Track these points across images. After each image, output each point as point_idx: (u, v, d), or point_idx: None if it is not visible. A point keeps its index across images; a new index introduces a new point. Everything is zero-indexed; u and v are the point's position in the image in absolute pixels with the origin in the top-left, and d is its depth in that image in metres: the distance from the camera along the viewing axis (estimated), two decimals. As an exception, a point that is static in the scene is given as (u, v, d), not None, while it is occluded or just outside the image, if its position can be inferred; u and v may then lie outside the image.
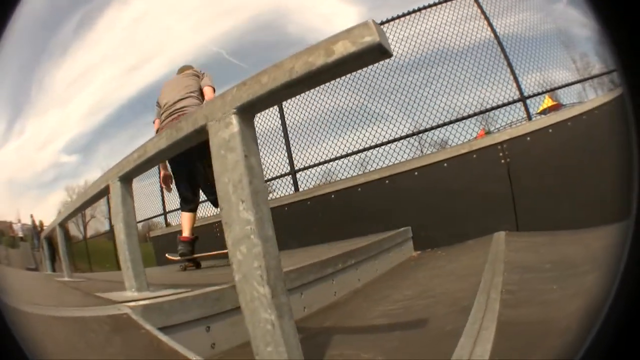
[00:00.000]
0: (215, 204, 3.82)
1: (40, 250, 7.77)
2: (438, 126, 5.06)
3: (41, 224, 26.90)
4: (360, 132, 5.64)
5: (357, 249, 2.89)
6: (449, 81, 5.15)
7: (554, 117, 3.52)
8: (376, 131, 5.50)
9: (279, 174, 6.22)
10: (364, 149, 5.51)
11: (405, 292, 2.34)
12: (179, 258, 3.78)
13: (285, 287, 1.15)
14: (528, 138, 3.44)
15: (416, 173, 3.86)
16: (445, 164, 3.72)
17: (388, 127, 5.40)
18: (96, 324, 1.61)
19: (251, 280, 1.09)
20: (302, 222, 4.53)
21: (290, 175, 6.04)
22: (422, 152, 5.40)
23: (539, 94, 4.93)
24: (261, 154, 6.19)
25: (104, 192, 2.21)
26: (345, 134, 5.81)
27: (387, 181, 4.04)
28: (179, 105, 3.70)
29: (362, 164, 5.69)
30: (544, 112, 5.29)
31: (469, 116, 4.96)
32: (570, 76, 5.08)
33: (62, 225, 3.85)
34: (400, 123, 5.33)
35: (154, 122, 4.06)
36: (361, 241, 3.23)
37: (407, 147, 5.29)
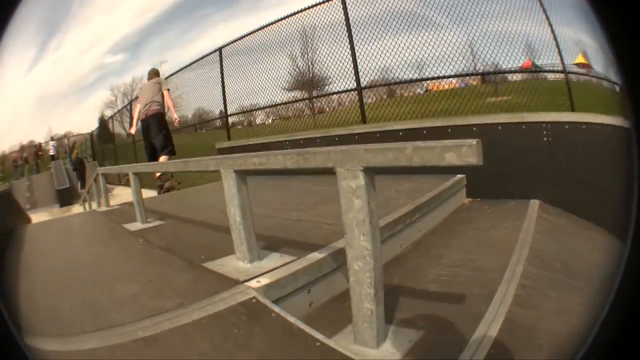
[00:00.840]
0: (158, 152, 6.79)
1: (91, 184, 7.91)
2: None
3: (73, 144, 24.94)
4: (417, 37, 6.28)
5: (423, 203, 3.34)
6: (501, 7, 5.57)
7: (587, 117, 3.81)
8: (432, 37, 6.14)
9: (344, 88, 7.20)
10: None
11: (453, 257, 2.79)
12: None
13: (382, 286, 1.68)
14: (566, 126, 3.78)
15: (474, 129, 4.29)
16: (499, 127, 4.14)
17: (442, 36, 6.01)
18: (234, 316, 1.82)
19: (362, 284, 1.63)
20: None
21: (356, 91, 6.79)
22: (474, 67, 6.16)
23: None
24: (325, 48, 7.14)
25: (210, 171, 2.64)
26: (404, 35, 6.47)
27: (449, 130, 4.50)
28: (148, 106, 6.75)
29: (418, 67, 6.51)
30: (578, 65, 5.63)
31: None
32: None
33: (137, 174, 4.31)
34: (454, 33, 5.93)
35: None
36: (422, 185, 3.75)
37: (458, 57, 6.01)
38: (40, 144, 30.99)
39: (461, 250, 2.94)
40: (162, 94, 6.84)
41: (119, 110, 25.22)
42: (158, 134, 6.75)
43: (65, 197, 17.25)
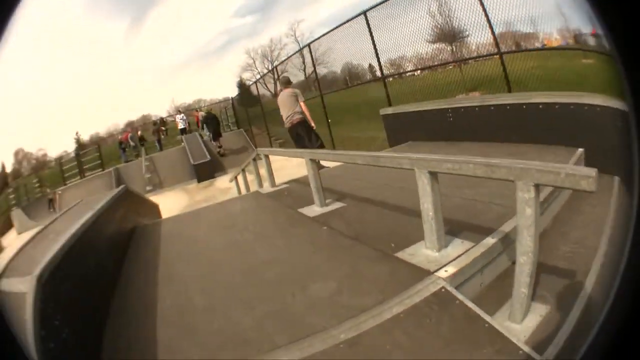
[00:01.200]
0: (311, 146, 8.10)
1: (248, 163, 8.33)
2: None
3: (210, 110, 22.98)
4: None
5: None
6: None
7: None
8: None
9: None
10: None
11: (575, 234, 3.00)
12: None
13: (535, 275, 2.14)
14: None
15: (586, 108, 4.64)
16: (598, 109, 4.45)
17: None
18: (427, 307, 1.95)
19: (523, 273, 2.15)
20: (515, 123, 5.75)
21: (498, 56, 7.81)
22: (566, 26, 7.45)
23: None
24: (457, 3, 8.41)
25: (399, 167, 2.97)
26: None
27: (571, 106, 4.88)
28: (291, 116, 8.40)
29: (532, 22, 7.63)
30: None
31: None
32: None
33: (314, 160, 4.32)
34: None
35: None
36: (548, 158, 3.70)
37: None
38: (162, 118, 29.09)
39: (580, 228, 3.14)
40: (300, 105, 8.52)
41: (262, 76, 25.80)
42: (306, 135, 8.53)
43: (204, 171, 16.61)
